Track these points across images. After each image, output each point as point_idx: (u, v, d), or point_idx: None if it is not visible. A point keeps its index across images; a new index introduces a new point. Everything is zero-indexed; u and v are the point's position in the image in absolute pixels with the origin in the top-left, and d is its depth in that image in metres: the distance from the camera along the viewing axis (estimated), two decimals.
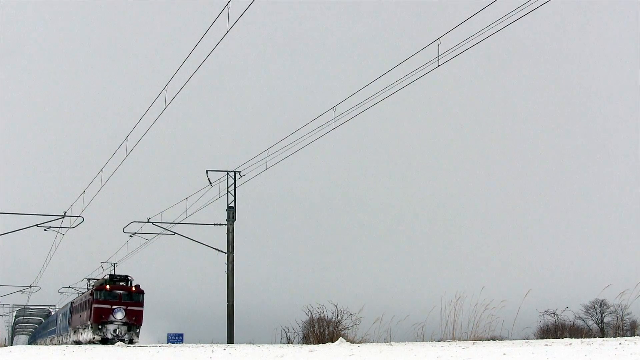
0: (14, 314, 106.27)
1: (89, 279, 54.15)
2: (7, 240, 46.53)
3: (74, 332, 50.47)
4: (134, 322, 41.34)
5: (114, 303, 41.02)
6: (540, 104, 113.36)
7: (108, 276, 43.34)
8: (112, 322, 40.98)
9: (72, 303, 54.49)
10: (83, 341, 44.40)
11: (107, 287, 41.32)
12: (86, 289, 52.13)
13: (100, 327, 40.94)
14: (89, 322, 42.56)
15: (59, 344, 56.19)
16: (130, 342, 40.48)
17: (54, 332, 69.75)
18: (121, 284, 42.31)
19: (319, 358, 9.31)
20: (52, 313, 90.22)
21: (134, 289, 41.72)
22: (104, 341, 40.57)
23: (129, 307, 41.17)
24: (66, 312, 58.03)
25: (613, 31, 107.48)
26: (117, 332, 40.74)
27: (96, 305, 41.19)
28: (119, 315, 40.71)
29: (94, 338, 41.13)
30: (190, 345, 21.86)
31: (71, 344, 48.86)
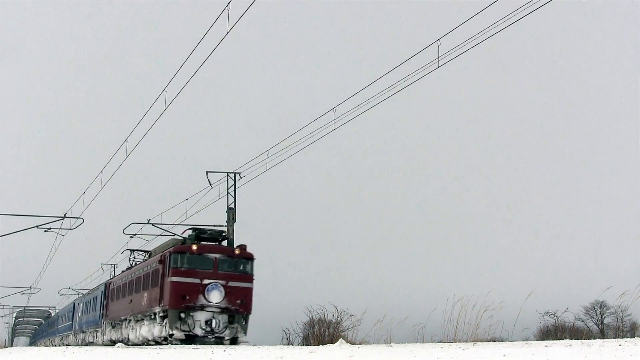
0: (14, 315, 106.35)
1: (132, 250, 39.51)
2: (7, 241, 46.53)
3: (113, 327, 35.86)
4: (239, 309, 25.67)
5: (205, 275, 25.45)
6: (540, 105, 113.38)
7: (190, 231, 27.86)
8: (203, 308, 25.22)
9: (108, 284, 39.53)
10: (137, 340, 29.65)
11: (194, 247, 25.94)
12: (130, 264, 37.51)
13: (183, 316, 25.03)
14: (157, 309, 26.83)
15: (78, 345, 46.76)
16: (234, 341, 25.63)
17: (68, 328, 57.50)
18: (213, 243, 27.69)
19: (318, 359, 9.32)
20: (53, 314, 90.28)
21: (237, 251, 26.37)
22: (189, 339, 25.18)
23: (231, 283, 25.66)
24: (95, 298, 43.25)
25: (614, 32, 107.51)
26: (214, 326, 25.12)
27: (175, 279, 25.53)
28: (216, 297, 25.26)
29: (170, 335, 25.39)
30: (191, 346, 21.86)
31: (106, 344, 35.80)
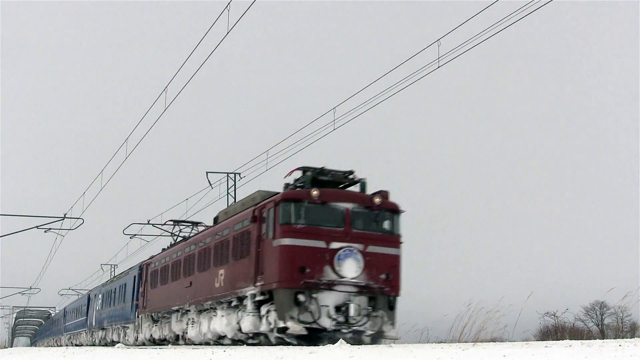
0: (14, 316, 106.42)
1: (175, 222, 31.62)
2: (7, 242, 46.55)
3: (155, 321, 28.66)
4: (383, 288, 17.39)
5: (333, 236, 17.25)
6: (541, 106, 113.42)
7: (300, 172, 18.56)
8: (332, 287, 16.87)
9: (145, 265, 31.55)
10: (201, 338, 22.18)
11: (315, 193, 17.37)
12: (174, 240, 30.16)
13: (302, 299, 16.71)
14: (250, 290, 18.33)
15: (94, 345, 40.87)
16: (376, 338, 17.30)
17: (80, 325, 50.04)
18: (334, 187, 18.65)
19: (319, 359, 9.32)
20: (53, 314, 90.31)
21: (378, 199, 17.92)
22: (312, 334, 16.65)
23: (371, 248, 17.45)
24: (122, 287, 35.74)
25: (614, 32, 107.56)
26: (351, 313, 16.66)
27: (287, 242, 17.20)
28: (351, 268, 17.00)
29: (283, 330, 16.84)
30: (191, 347, 21.83)
31: (144, 344, 29.19)
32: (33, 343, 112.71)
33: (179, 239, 29.87)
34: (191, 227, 31.38)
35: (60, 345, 58.57)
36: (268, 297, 17.84)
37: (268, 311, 17.73)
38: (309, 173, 18.36)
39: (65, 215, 37.33)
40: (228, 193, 36.02)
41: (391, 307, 17.71)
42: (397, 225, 18.27)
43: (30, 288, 72.27)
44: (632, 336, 38.88)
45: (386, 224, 18.17)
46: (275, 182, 21.35)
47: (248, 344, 18.60)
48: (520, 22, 15.79)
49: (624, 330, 45.83)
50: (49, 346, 64.25)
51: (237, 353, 12.21)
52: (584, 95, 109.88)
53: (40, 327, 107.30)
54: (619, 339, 10.85)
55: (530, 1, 15.31)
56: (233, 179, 35.85)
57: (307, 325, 16.71)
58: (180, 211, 37.29)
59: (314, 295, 16.83)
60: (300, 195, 17.64)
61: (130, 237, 40.97)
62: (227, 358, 11.24)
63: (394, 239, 18.13)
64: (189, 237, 27.90)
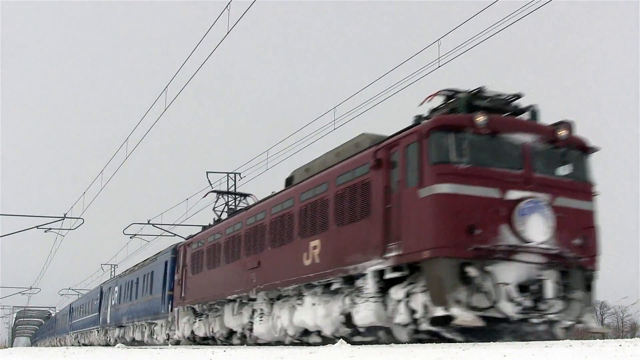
0: (14, 316, 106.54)
1: (219, 192, 28.48)
2: (8, 242, 46.59)
3: (198, 315, 23.77)
4: (580, 258, 12.35)
5: (510, 182, 12.09)
6: (540, 105, 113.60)
7: (442, 96, 13.55)
8: (512, 257, 11.69)
9: (183, 247, 26.21)
10: (272, 335, 17.56)
11: (481, 118, 12.14)
12: (218, 217, 26.57)
13: (472, 273, 11.52)
14: (376, 265, 13.06)
15: (108, 345, 36.15)
16: (572, 330, 12.56)
17: (91, 323, 44.83)
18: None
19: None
20: (53, 314, 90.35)
21: (563, 132, 12.89)
22: (493, 327, 11.71)
23: (560, 201, 12.39)
24: (149, 275, 30.28)
25: (614, 31, 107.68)
26: (546, 294, 11.66)
27: (445, 190, 11.85)
28: (538, 229, 11.83)
29: (445, 320, 11.72)
30: (191, 347, 21.83)
31: (178, 343, 25.20)
32: (33, 343, 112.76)
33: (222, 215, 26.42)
34: (238, 199, 27.88)
35: (65, 345, 57.85)
36: (407, 273, 12.75)
37: (409, 294, 12.64)
38: (461, 95, 13.23)
39: (65, 215, 37.32)
40: (228, 193, 36.08)
41: (588, 286, 12.85)
42: (588, 169, 13.48)
43: (31, 288, 72.42)
44: (632, 336, 38.91)
45: (575, 167, 13.30)
46: (276, 182, 21.35)
47: (355, 343, 13.28)
48: (520, 22, 15.78)
49: (624, 330, 45.90)
50: (51, 346, 64.05)
51: (237, 353, 12.21)
52: (585, 95, 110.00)
53: (40, 327, 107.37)
54: (619, 339, 10.80)
55: (530, 1, 15.30)
56: (233, 179, 35.85)
57: (481, 313, 11.70)
58: (180, 211, 37.27)
59: (487, 269, 11.73)
60: (461, 121, 12.40)
61: (130, 237, 40.96)
62: (227, 358, 11.23)
63: (586, 188, 13.30)
64: (219, 221, 23.24)
